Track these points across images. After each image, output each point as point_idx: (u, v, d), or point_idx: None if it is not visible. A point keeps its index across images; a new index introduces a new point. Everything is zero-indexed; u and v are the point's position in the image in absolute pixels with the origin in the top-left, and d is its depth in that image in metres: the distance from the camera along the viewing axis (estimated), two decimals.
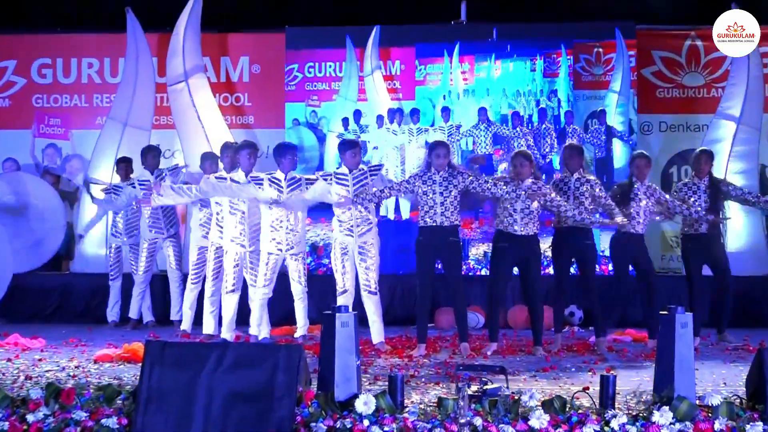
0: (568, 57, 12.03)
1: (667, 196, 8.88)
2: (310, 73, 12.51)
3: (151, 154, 10.44)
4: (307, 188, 8.64)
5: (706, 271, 9.07)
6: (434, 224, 8.22)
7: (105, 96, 12.62)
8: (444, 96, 12.27)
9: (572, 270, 8.87)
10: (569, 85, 11.98)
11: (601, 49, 12.07)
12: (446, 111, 12.19)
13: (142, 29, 11.97)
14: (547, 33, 12.07)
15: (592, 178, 8.77)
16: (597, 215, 8.66)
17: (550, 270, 9.43)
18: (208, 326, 9.23)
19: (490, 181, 8.42)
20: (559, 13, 12.33)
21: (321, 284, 10.24)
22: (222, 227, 9.06)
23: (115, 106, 11.99)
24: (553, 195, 8.43)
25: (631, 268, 8.86)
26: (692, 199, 8.96)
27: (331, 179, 8.54)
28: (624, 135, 11.82)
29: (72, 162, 12.52)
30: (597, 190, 8.59)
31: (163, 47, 12.19)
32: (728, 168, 11.09)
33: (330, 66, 12.54)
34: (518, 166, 8.44)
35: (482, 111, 12.12)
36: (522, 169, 8.43)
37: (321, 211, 10.52)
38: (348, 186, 8.46)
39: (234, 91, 12.65)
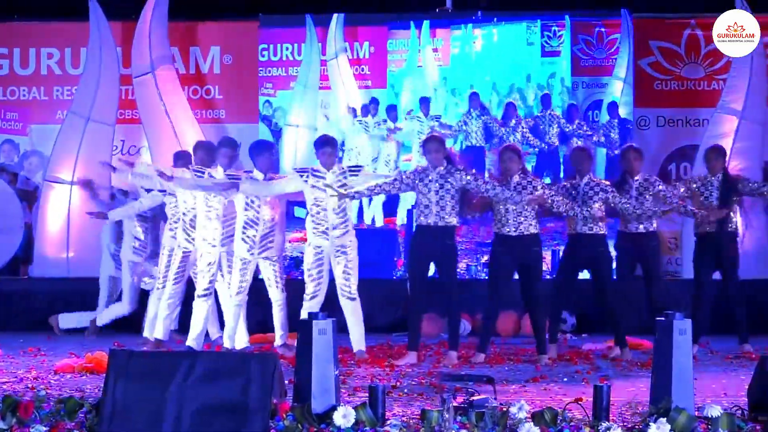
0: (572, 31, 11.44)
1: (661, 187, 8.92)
2: (263, 56, 12.09)
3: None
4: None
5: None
6: (428, 224, 8.27)
7: (66, 88, 12.55)
8: (411, 80, 11.74)
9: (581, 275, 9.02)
10: (570, 68, 11.56)
11: (603, 29, 11.79)
12: (425, 102, 11.75)
13: (106, 17, 11.91)
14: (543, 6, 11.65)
15: (604, 182, 8.84)
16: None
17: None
18: (159, 331, 9.02)
19: (489, 182, 8.44)
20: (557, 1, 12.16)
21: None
22: (192, 229, 8.97)
23: (77, 99, 11.94)
24: (551, 194, 8.48)
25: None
26: (702, 197, 9.05)
27: (307, 176, 8.54)
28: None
29: (30, 159, 12.48)
30: (610, 195, 8.63)
31: (128, 36, 12.14)
32: (729, 165, 11.12)
33: (287, 48, 12.05)
34: (507, 161, 8.50)
35: (474, 97, 11.73)
36: (511, 164, 8.49)
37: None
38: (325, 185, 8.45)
39: (204, 83, 12.61)
